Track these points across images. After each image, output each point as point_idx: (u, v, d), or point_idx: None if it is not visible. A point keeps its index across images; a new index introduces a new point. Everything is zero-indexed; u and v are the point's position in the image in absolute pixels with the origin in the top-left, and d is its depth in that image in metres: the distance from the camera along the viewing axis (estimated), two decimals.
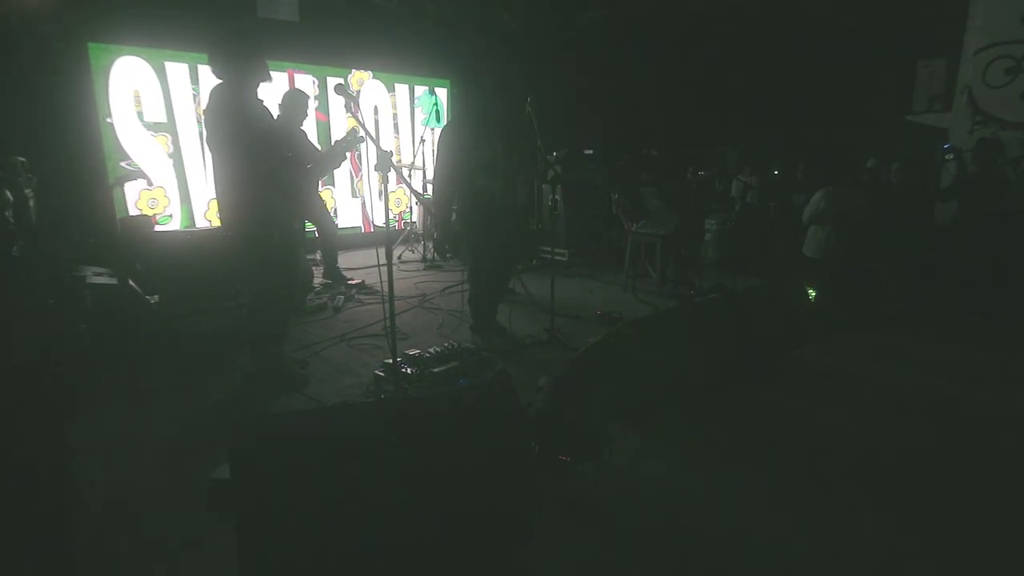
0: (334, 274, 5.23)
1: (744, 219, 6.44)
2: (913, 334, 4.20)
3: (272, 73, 2.95)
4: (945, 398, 3.11)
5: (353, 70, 7.27)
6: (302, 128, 4.56)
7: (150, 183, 5.91)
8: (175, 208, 6.19)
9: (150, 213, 5.96)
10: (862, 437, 2.67)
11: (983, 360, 3.69)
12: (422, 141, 6.88)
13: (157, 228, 5.92)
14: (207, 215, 6.35)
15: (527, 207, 4.08)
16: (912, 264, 5.04)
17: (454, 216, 3.67)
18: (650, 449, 2.52)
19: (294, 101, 4.42)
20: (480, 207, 3.52)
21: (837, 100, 7.42)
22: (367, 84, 7.45)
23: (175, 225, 6.18)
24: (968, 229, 4.90)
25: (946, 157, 5.41)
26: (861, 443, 2.61)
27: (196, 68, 6.06)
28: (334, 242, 5.27)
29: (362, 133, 2.68)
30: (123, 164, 5.74)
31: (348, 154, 3.32)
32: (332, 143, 3.71)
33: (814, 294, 3.87)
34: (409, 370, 2.84)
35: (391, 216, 7.58)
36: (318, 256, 5.42)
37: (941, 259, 4.92)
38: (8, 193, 4.02)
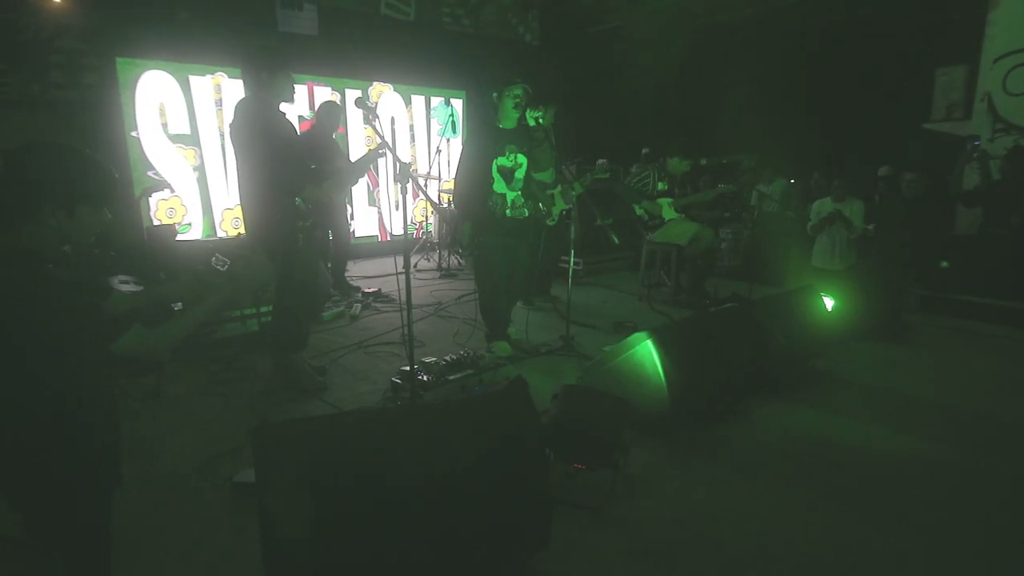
0: (341, 285, 5.30)
1: (760, 229, 6.41)
2: (933, 344, 4.15)
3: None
4: (966, 410, 3.06)
5: (367, 82, 7.40)
6: (334, 138, 4.87)
7: (173, 192, 6.05)
8: (197, 218, 6.32)
9: (169, 222, 6.09)
10: (880, 449, 2.64)
11: (1005, 371, 3.63)
12: (438, 151, 6.96)
13: (178, 237, 6.07)
14: (230, 224, 6.48)
15: (559, 225, 4.13)
16: (931, 273, 4.98)
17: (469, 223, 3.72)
18: (665, 459, 2.52)
19: (329, 112, 4.77)
20: (494, 214, 3.56)
21: (854, 108, 7.37)
22: (384, 95, 7.58)
23: (196, 234, 6.31)
24: (992, 238, 4.83)
25: (974, 155, 5.24)
26: (879, 455, 2.58)
27: (219, 81, 6.21)
28: (346, 251, 5.36)
29: (383, 149, 2.76)
30: (150, 173, 5.89)
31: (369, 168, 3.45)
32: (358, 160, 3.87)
33: (831, 304, 3.84)
34: (425, 377, 2.88)
35: (414, 224, 7.71)
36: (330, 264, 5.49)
37: (964, 268, 4.85)
38: None
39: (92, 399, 1.39)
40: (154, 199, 6.02)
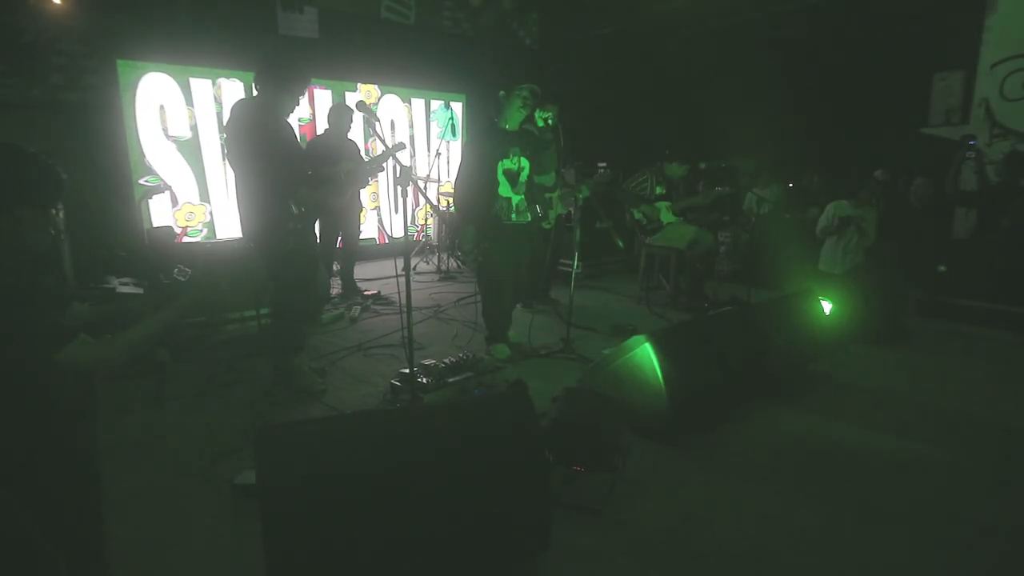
0: (349, 286, 5.33)
1: (759, 232, 6.42)
2: (931, 348, 4.16)
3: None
4: (963, 413, 3.07)
5: (366, 85, 7.42)
6: (350, 139, 4.98)
7: (175, 196, 6.07)
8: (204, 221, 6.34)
9: (184, 225, 6.12)
10: (878, 452, 2.65)
11: (1002, 374, 3.64)
12: (438, 155, 6.97)
13: (187, 240, 6.08)
14: (229, 226, 6.48)
15: (556, 227, 4.14)
16: (931, 276, 5.00)
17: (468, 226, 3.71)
18: (665, 461, 2.52)
19: (339, 115, 4.87)
20: (498, 219, 3.55)
21: (852, 113, 7.40)
22: (384, 98, 7.60)
23: (196, 236, 6.31)
24: (987, 242, 4.85)
25: (968, 155, 5.25)
26: (878, 458, 2.59)
27: (219, 84, 6.23)
28: (354, 255, 5.38)
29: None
30: (142, 181, 5.89)
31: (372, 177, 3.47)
32: (371, 160, 3.90)
33: (830, 307, 3.86)
34: (425, 380, 2.89)
35: (416, 227, 7.73)
36: (336, 267, 5.51)
37: (961, 272, 4.87)
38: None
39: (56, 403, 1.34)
40: (170, 200, 6.04)
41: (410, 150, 7.92)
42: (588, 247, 6.39)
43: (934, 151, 6.33)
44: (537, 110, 3.46)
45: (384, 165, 3.46)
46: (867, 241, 4.88)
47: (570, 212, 3.89)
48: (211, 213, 6.34)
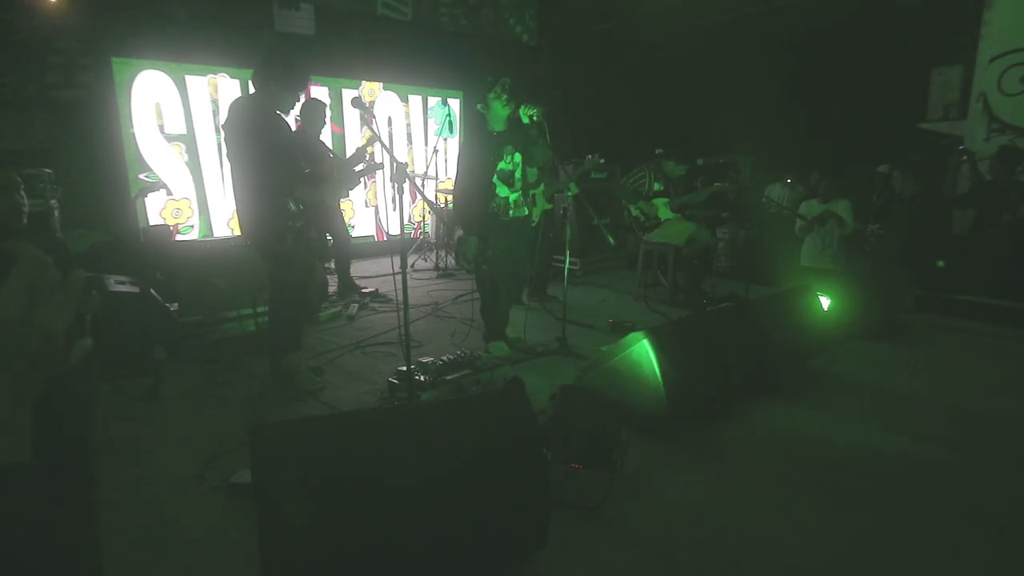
0: (347, 283, 5.31)
1: (761, 229, 6.40)
2: (928, 343, 4.16)
3: None
4: (962, 408, 3.07)
5: (364, 82, 7.40)
6: (320, 139, 4.65)
7: (170, 193, 6.05)
8: (194, 218, 6.31)
9: (173, 223, 6.09)
10: (877, 448, 2.65)
11: (1001, 370, 3.64)
12: (435, 151, 6.96)
13: (178, 238, 6.05)
14: (226, 224, 6.46)
15: (548, 223, 4.11)
16: (927, 272, 5.00)
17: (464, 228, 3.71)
18: (663, 459, 2.52)
19: (312, 111, 4.52)
20: (497, 217, 3.56)
21: (851, 108, 7.38)
22: (381, 95, 7.57)
23: (193, 235, 6.30)
24: (986, 237, 4.85)
25: (962, 159, 5.33)
26: (876, 454, 2.59)
27: (215, 81, 6.20)
28: (347, 253, 5.35)
29: (380, 159, 2.77)
30: (142, 176, 5.88)
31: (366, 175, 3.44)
32: (348, 159, 3.81)
33: (828, 304, 3.85)
34: (422, 377, 2.88)
35: (412, 224, 7.71)
36: (332, 265, 5.50)
37: (959, 267, 4.87)
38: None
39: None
40: (160, 199, 6.01)
41: (406, 147, 7.90)
42: (585, 244, 6.40)
43: (932, 145, 6.33)
44: (522, 107, 3.45)
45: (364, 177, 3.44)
46: (846, 231, 4.96)
47: (564, 209, 3.88)
48: (196, 210, 6.29)
